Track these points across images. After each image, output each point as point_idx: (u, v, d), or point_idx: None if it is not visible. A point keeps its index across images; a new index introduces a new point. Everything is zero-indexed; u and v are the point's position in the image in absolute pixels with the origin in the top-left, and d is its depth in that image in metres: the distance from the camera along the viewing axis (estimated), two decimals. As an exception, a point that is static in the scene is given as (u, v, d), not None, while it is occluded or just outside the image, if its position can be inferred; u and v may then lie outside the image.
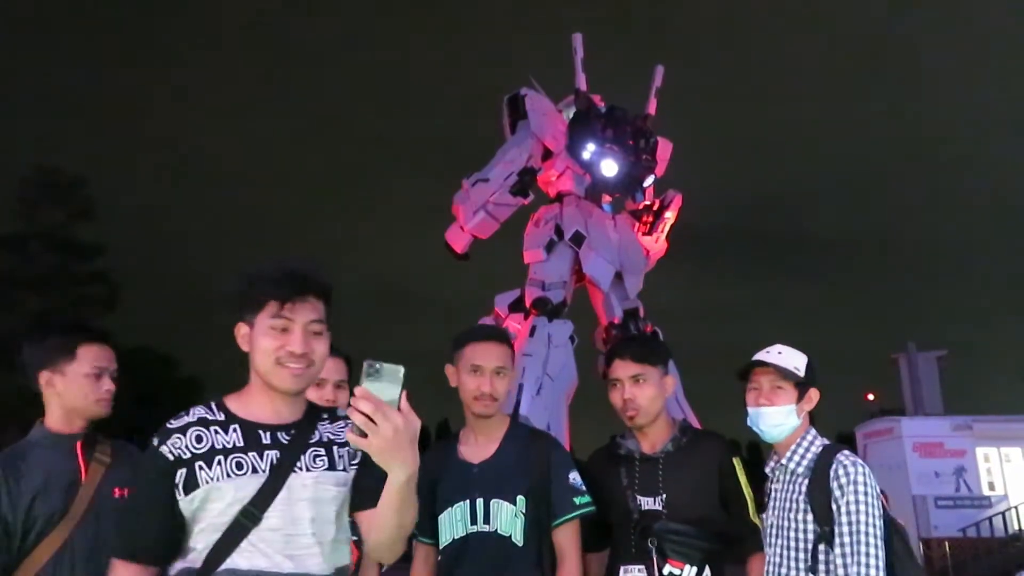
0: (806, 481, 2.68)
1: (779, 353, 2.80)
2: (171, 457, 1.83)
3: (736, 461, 2.92)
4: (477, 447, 2.84)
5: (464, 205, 11.32)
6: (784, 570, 2.67)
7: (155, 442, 1.87)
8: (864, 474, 2.63)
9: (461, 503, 2.74)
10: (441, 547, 2.77)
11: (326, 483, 1.87)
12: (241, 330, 1.90)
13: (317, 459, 1.88)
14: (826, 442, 2.78)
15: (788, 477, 2.76)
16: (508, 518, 2.70)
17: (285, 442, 1.87)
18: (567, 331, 11.10)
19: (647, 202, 12.56)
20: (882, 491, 2.79)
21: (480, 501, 2.72)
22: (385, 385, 1.62)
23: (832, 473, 2.63)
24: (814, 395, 2.81)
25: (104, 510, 2.70)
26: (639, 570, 2.80)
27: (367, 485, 1.85)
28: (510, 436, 2.85)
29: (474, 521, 2.71)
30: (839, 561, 2.54)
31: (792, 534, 2.67)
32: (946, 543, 21.91)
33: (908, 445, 24.09)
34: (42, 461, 2.70)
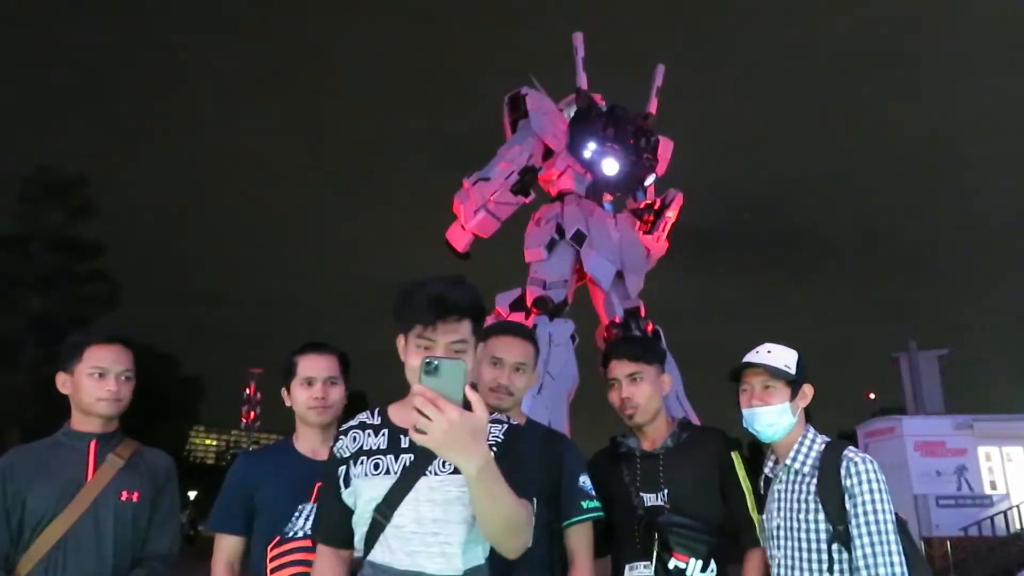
0: (814, 480, 2.65)
1: (768, 352, 2.78)
2: (338, 456, 2.09)
3: (735, 455, 2.93)
4: None
5: (465, 204, 11.30)
6: (798, 572, 2.62)
7: (333, 444, 2.14)
8: (875, 469, 2.61)
9: None
10: None
11: (450, 484, 1.94)
12: (400, 343, 2.05)
13: (447, 463, 1.94)
14: (827, 439, 2.76)
15: (792, 477, 2.73)
16: None
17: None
18: (568, 330, 11.09)
19: (648, 201, 12.55)
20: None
21: None
22: (445, 381, 1.64)
23: (844, 471, 2.60)
24: (808, 391, 2.79)
25: (105, 511, 2.71)
26: (644, 566, 2.79)
27: None
28: (527, 434, 2.78)
29: None
30: (860, 562, 2.50)
31: (803, 535, 2.63)
32: (947, 542, 21.90)
33: (909, 444, 24.08)
34: (52, 457, 2.75)
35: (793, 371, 2.74)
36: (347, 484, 2.05)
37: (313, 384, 2.87)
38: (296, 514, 2.72)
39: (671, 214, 12.41)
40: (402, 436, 2.03)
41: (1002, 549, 21.86)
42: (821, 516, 2.60)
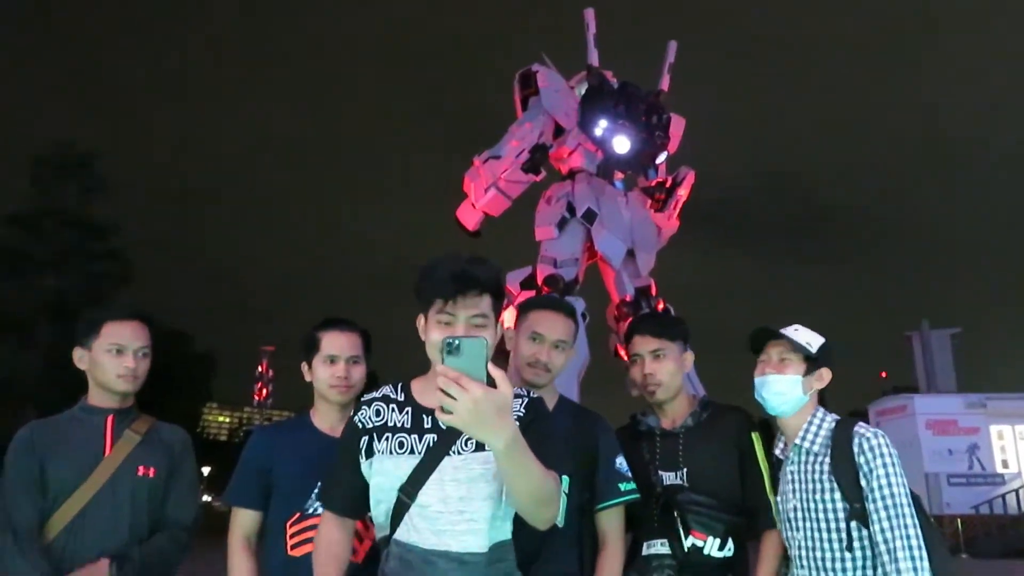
0: (827, 459, 2.65)
1: (795, 330, 2.78)
2: (359, 426, 2.11)
3: (755, 436, 2.93)
4: None
5: (475, 182, 11.26)
6: (819, 553, 2.62)
7: (354, 414, 2.16)
8: (887, 443, 2.61)
9: None
10: None
11: (473, 462, 1.97)
12: (420, 321, 2.06)
13: (469, 441, 1.98)
14: (837, 417, 2.76)
15: (804, 457, 2.73)
16: None
17: (444, 427, 1.93)
18: (579, 308, 11.07)
19: (660, 179, 12.48)
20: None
21: None
22: (467, 359, 1.65)
23: (856, 447, 2.61)
24: (825, 375, 2.78)
25: (123, 485, 2.75)
26: (662, 544, 2.80)
27: None
28: (559, 411, 2.77)
29: None
30: (879, 536, 2.51)
31: (821, 515, 2.62)
32: (958, 520, 21.92)
33: (921, 422, 24.07)
34: (71, 431, 2.80)
35: (814, 350, 2.73)
36: (368, 455, 2.07)
37: (336, 362, 2.86)
38: (315, 490, 2.71)
39: (683, 192, 12.34)
40: (424, 416, 2.05)
41: (1013, 527, 21.87)
42: (837, 495, 2.60)
